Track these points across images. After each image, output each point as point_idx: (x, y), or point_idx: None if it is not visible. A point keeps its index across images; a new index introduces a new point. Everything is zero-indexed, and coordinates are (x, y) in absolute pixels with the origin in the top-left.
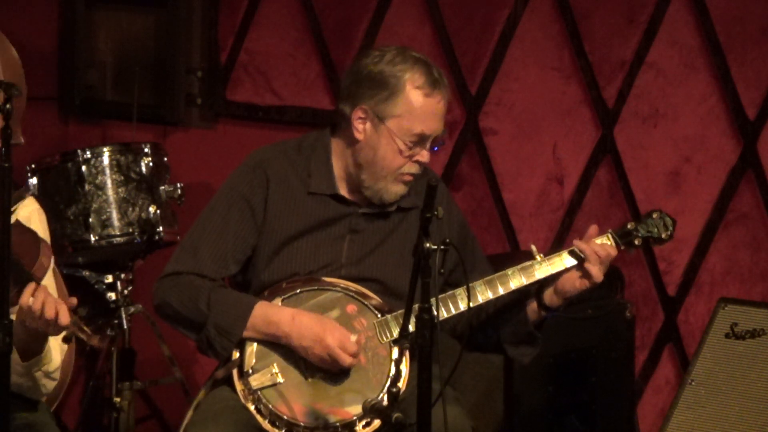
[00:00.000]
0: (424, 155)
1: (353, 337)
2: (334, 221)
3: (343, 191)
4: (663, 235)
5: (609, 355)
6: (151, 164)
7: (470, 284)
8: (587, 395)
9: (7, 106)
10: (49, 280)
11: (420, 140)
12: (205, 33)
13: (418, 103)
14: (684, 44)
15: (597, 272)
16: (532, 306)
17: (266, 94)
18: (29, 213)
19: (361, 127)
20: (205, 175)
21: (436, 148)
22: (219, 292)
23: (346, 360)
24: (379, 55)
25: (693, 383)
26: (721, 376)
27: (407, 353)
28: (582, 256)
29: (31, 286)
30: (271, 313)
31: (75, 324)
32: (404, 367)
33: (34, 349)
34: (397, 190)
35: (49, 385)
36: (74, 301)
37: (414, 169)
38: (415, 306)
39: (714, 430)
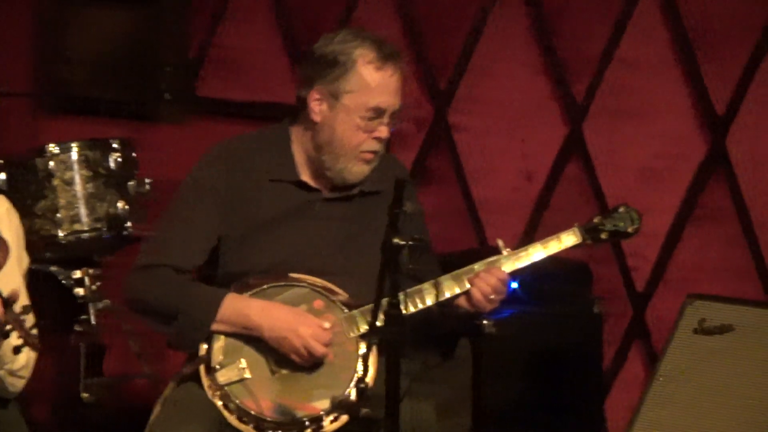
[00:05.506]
0: (382, 131)
1: (327, 324)
2: (298, 210)
3: (306, 177)
4: (629, 229)
5: (578, 351)
6: (119, 160)
7: (438, 279)
8: (556, 391)
9: None
10: (13, 276)
11: (376, 114)
12: (175, 28)
13: (370, 77)
14: (654, 40)
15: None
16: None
17: (236, 90)
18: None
19: (317, 109)
20: (175, 171)
21: (393, 129)
22: (189, 285)
23: (320, 350)
24: (331, 37)
25: (661, 379)
26: (689, 372)
27: (375, 349)
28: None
29: None
30: (242, 305)
31: (15, 320)
32: (372, 363)
33: None
34: (359, 169)
35: (18, 383)
36: (15, 294)
37: (374, 146)
38: (383, 301)
39: (683, 425)
